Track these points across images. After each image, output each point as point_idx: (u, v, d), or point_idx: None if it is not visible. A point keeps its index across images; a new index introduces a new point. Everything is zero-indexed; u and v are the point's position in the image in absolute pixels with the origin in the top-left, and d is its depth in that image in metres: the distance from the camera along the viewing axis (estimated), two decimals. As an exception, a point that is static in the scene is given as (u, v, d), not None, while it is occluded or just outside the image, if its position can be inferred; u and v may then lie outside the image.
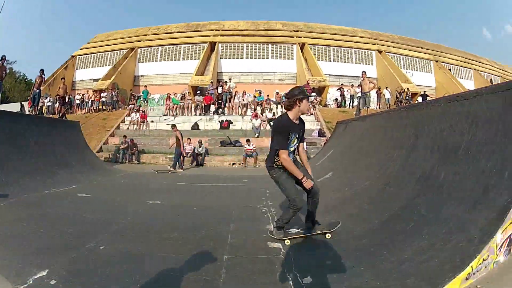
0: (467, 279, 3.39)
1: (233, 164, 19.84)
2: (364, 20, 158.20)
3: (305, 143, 17.00)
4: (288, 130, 4.74)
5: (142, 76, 37.02)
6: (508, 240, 3.81)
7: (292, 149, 4.85)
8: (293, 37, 36.85)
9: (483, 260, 3.52)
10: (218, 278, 3.82)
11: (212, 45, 36.54)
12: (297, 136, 4.87)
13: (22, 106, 34.75)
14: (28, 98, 38.51)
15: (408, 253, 4.00)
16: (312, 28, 39.11)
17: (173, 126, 18.19)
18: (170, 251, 4.73)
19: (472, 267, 3.41)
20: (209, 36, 37.43)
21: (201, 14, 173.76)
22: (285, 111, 4.89)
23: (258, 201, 8.40)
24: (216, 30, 38.25)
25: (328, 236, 5.01)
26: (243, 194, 10.00)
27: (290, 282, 3.69)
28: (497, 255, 3.70)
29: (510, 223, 3.69)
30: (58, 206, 7.58)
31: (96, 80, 35.79)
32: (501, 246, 3.73)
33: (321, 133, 22.32)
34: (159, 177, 14.50)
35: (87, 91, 34.98)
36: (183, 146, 17.38)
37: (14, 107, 34.06)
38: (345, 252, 4.47)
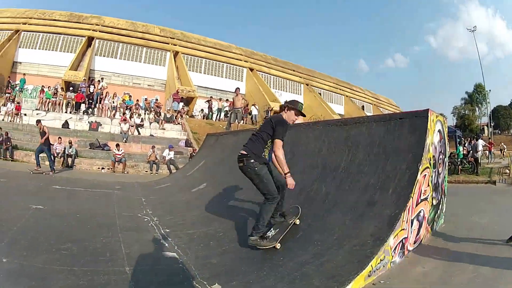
0: (369, 276, 4.03)
1: (102, 168, 20.17)
2: (238, 38, 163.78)
3: (172, 152, 20.48)
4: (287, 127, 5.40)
5: (20, 62, 35.73)
6: (401, 244, 4.73)
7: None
8: (169, 43, 38.92)
9: (380, 260, 4.23)
10: None
11: (90, 40, 36.96)
12: None
13: None
14: None
15: (305, 257, 4.44)
16: (188, 37, 41.47)
17: (38, 121, 17.78)
18: (69, 264, 4.69)
19: (372, 265, 4.06)
20: (89, 30, 37.56)
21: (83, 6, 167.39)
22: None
23: (137, 209, 8.76)
24: (96, 25, 38.37)
25: (297, 221, 5.63)
26: (121, 201, 10.05)
27: None
28: (392, 256, 4.50)
29: (401, 230, 4.63)
30: None
31: None
32: (395, 249, 4.56)
33: (188, 143, 23.90)
34: (34, 178, 14.15)
35: None
36: (52, 145, 17.38)
37: None
38: (243, 259, 4.85)
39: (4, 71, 33.16)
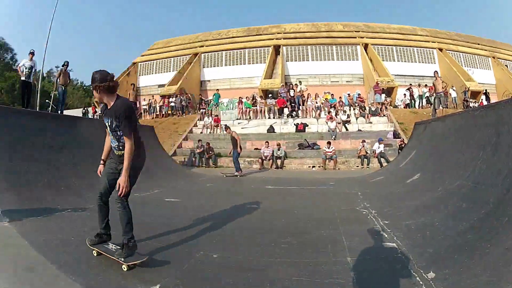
0: None
1: (313, 167, 20.89)
2: (420, 18, 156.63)
3: (382, 145, 20.34)
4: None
5: (208, 80, 40.24)
6: None
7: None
8: (355, 37, 39.01)
9: None
10: (350, 280, 4.13)
11: (276, 48, 39.06)
12: (108, 123, 4.69)
13: (85, 112, 38.31)
14: (92, 104, 43.24)
15: (510, 243, 4.21)
16: (372, 28, 41.44)
17: (227, 127, 18.70)
18: (288, 256, 4.95)
19: None
20: (272, 39, 40.09)
21: (258, 19, 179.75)
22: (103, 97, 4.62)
23: (355, 203, 8.90)
24: (278, 33, 40.85)
25: (124, 268, 4.47)
26: (337, 196, 10.33)
27: (417, 278, 4.05)
28: None
29: None
30: (147, 212, 7.77)
31: (161, 85, 39.61)
32: None
33: (395, 135, 23.49)
34: (244, 180, 15.32)
35: (152, 96, 37.99)
36: (241, 148, 17.59)
37: (76, 113, 36.83)
38: (456, 248, 4.75)
39: (192, 90, 37.18)
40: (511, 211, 4.82)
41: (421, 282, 3.94)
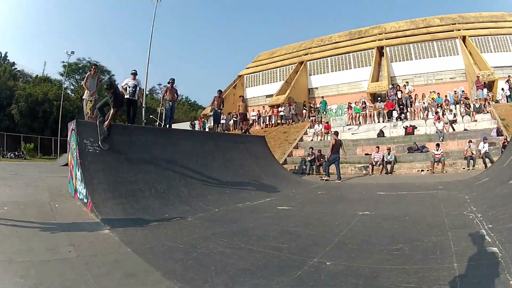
0: None
1: (422, 171, 20.76)
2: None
3: (486, 144, 20.12)
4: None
5: (316, 88, 42.28)
6: None
7: None
8: (453, 30, 38.29)
9: None
10: (455, 286, 4.20)
11: (380, 50, 40.06)
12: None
13: (193, 125, 39.71)
14: (199, 117, 46.92)
15: None
16: (467, 18, 40.41)
17: (336, 133, 19.90)
18: (400, 263, 5.10)
19: None
20: (375, 41, 41.16)
21: (358, 20, 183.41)
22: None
23: (462, 207, 8.94)
24: (379, 34, 41.99)
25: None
26: (446, 200, 10.38)
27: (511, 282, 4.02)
28: None
29: None
30: (258, 220, 8.08)
31: (268, 96, 42.22)
32: None
33: (498, 132, 22.62)
34: (355, 187, 15.68)
35: (263, 106, 40.22)
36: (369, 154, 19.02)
37: (182, 126, 39.37)
38: None
39: (300, 99, 38.73)
40: None
41: (514, 290, 3.94)
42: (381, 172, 21.31)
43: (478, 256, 5.14)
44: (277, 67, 45.62)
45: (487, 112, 26.73)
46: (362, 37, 42.26)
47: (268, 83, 45.69)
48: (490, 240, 5.78)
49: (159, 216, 8.21)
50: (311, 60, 43.10)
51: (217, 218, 8.34)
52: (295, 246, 6.10)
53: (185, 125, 41.03)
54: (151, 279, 4.59)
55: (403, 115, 28.93)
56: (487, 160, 19.62)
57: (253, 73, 47.79)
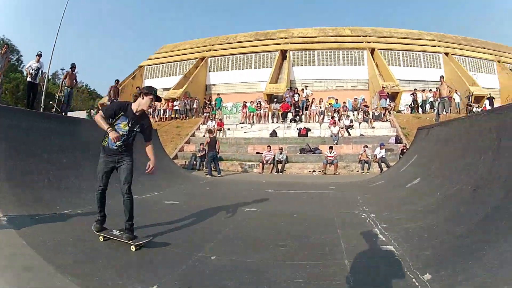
0: None
1: (313, 171, 21.13)
2: (428, 22, 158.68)
3: (383, 150, 20.67)
4: (117, 110, 5.65)
5: (213, 85, 41.13)
6: None
7: (121, 132, 5.61)
8: (363, 42, 39.86)
9: None
10: (346, 281, 4.25)
11: (283, 53, 39.95)
12: (129, 124, 5.70)
13: (90, 114, 38.78)
14: (95, 106, 43.75)
15: (506, 245, 4.39)
16: (380, 32, 42.44)
17: (209, 131, 20.79)
18: (288, 258, 5.09)
19: None
20: (279, 44, 40.93)
21: (266, 23, 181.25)
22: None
23: (353, 207, 9.14)
24: (286, 38, 41.76)
25: (133, 248, 5.37)
26: (337, 200, 10.60)
27: (413, 280, 4.17)
28: None
29: None
30: (146, 214, 7.80)
31: (166, 89, 39.58)
32: None
33: (397, 140, 23.69)
34: (245, 184, 15.54)
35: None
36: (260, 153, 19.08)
37: (80, 115, 38.02)
38: (453, 250, 4.92)
39: (197, 94, 37.37)
40: (508, 215, 5.08)
41: (416, 284, 4.08)
42: (271, 171, 21.16)
43: (372, 253, 5.33)
44: (178, 61, 44.45)
45: (387, 120, 27.93)
46: (268, 39, 42.76)
47: (167, 76, 44.11)
48: (384, 239, 5.97)
49: (52, 208, 7.74)
50: (213, 56, 42.46)
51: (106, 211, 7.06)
52: (181, 241, 5.98)
53: (83, 114, 40.79)
54: (45, 273, 4.44)
55: (298, 117, 29.17)
56: (383, 164, 20.05)
57: (154, 64, 46.13)
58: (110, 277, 4.37)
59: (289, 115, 29.64)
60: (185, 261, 4.92)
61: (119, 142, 5.57)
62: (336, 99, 31.36)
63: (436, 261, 4.68)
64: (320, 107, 29.79)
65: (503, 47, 44.81)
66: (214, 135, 19.89)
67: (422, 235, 5.84)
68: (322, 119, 28.50)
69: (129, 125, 5.69)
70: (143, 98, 5.76)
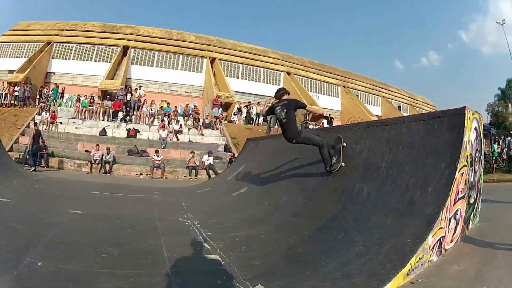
0: (408, 274, 4.23)
1: (140, 174, 21.21)
2: (275, 42, 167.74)
3: (211, 157, 21.33)
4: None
5: (54, 73, 37.99)
6: (438, 243, 4.89)
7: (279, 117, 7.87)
8: (205, 50, 40.59)
9: (419, 258, 4.43)
10: None
11: (125, 50, 38.96)
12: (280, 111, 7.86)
13: None
14: None
15: (347, 257, 4.63)
16: (224, 43, 43.34)
17: (35, 124, 20.33)
18: (110, 266, 4.86)
19: (411, 264, 4.27)
20: (123, 40, 39.74)
21: (117, 17, 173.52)
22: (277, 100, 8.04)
23: (178, 213, 8.96)
24: (131, 34, 40.65)
25: (344, 144, 7.56)
26: (161, 206, 10.45)
27: None
28: (430, 255, 4.70)
29: (439, 229, 4.80)
30: None
31: (11, 72, 36.13)
32: (433, 248, 4.75)
33: (227, 148, 24.78)
34: (70, 184, 14.78)
35: (2, 82, 33.85)
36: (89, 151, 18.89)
37: None
38: (286, 260, 5.02)
39: (37, 82, 34.83)
40: (347, 226, 5.54)
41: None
42: (99, 171, 20.89)
43: (198, 262, 5.29)
44: (27, 41, 39.58)
45: (217, 129, 28.87)
46: (114, 33, 40.76)
47: (15, 57, 38.85)
48: (209, 247, 5.89)
49: None
50: (59, 42, 39.05)
51: None
52: (13, 244, 5.41)
53: None
54: None
55: (128, 117, 29.02)
56: (211, 171, 20.54)
57: (5, 42, 40.28)
58: None
59: (120, 114, 29.25)
60: (17, 266, 4.57)
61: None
62: (168, 103, 31.91)
63: (267, 271, 4.74)
64: (151, 109, 29.82)
65: (351, 74, 50.66)
66: (37, 128, 19.21)
67: (250, 244, 5.91)
68: (152, 121, 28.67)
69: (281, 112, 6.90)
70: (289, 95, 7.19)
